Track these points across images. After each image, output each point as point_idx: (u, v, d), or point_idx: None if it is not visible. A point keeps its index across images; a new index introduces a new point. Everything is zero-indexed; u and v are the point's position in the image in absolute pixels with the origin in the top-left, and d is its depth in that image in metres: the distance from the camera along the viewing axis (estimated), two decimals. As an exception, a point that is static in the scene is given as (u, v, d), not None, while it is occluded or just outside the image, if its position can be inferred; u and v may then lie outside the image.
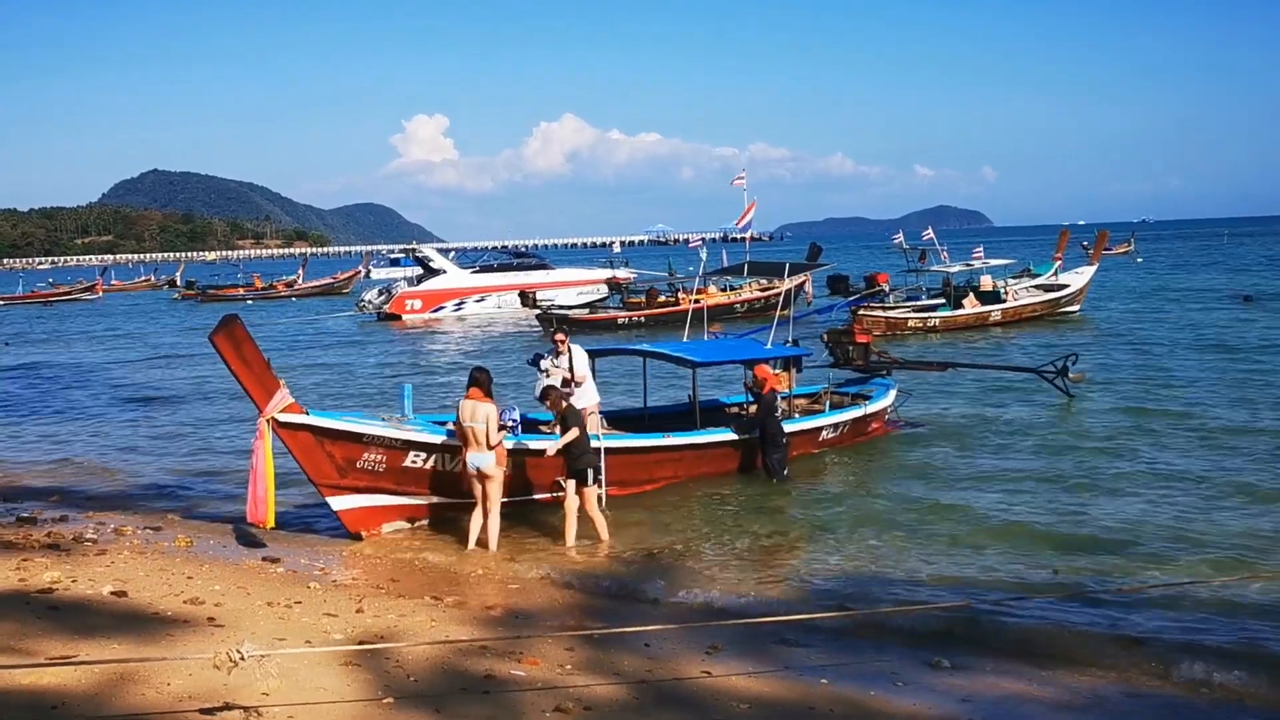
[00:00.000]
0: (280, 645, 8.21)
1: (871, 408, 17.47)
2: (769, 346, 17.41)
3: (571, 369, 14.76)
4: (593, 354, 15.70)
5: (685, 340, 18.58)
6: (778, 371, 17.17)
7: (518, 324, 44.92)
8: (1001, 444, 17.23)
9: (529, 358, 15.77)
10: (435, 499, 13.23)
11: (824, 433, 16.64)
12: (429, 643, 8.72)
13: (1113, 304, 43.17)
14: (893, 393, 18.45)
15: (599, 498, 12.80)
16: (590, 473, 12.49)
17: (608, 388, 19.61)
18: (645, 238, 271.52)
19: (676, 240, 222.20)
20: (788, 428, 15.79)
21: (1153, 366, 25.19)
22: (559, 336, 15.24)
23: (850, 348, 19.85)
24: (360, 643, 8.59)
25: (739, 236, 56.10)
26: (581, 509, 12.53)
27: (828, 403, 17.80)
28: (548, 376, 14.76)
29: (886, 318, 34.61)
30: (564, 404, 12.79)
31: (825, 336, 21.24)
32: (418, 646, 8.63)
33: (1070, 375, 20.48)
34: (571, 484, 12.49)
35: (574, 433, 12.46)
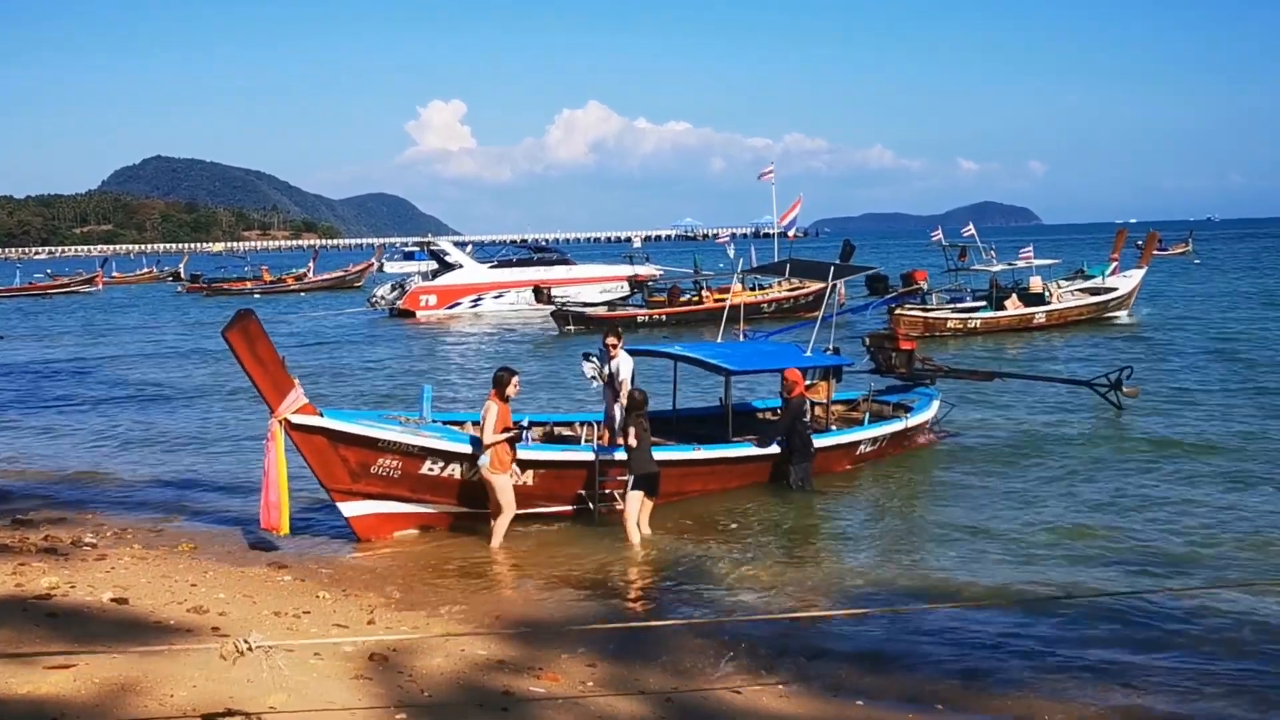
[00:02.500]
0: (288, 656, 8.26)
1: (913, 421, 17.36)
2: (809, 353, 17.33)
3: (614, 375, 14.98)
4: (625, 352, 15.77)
5: (718, 342, 18.51)
6: (815, 381, 17.09)
7: (529, 321, 45.08)
8: (1046, 457, 17.12)
9: (586, 365, 15.85)
10: (451, 508, 13.30)
11: (862, 446, 16.55)
12: (444, 654, 8.78)
13: (1163, 309, 42.69)
14: (936, 403, 18.32)
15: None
16: (633, 479, 12.74)
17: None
18: (672, 232, 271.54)
19: (705, 235, 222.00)
20: (825, 441, 15.72)
21: (1204, 379, 24.90)
22: (610, 340, 15.18)
23: (893, 354, 19.62)
24: (371, 655, 8.65)
25: (769, 232, 56.02)
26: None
27: (867, 413, 17.72)
28: (595, 382, 15.14)
29: (925, 318, 34.54)
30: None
31: (867, 341, 21.11)
32: (432, 660, 8.69)
33: (1124, 389, 20.28)
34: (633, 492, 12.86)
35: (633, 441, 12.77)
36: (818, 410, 16.79)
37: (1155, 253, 46.74)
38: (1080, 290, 38.98)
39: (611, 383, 14.99)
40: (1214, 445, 17.60)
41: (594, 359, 15.38)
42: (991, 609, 10.54)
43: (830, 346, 18.32)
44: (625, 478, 13.01)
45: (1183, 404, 21.48)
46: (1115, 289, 38.52)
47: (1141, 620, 10.20)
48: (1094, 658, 9.37)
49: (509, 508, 12.72)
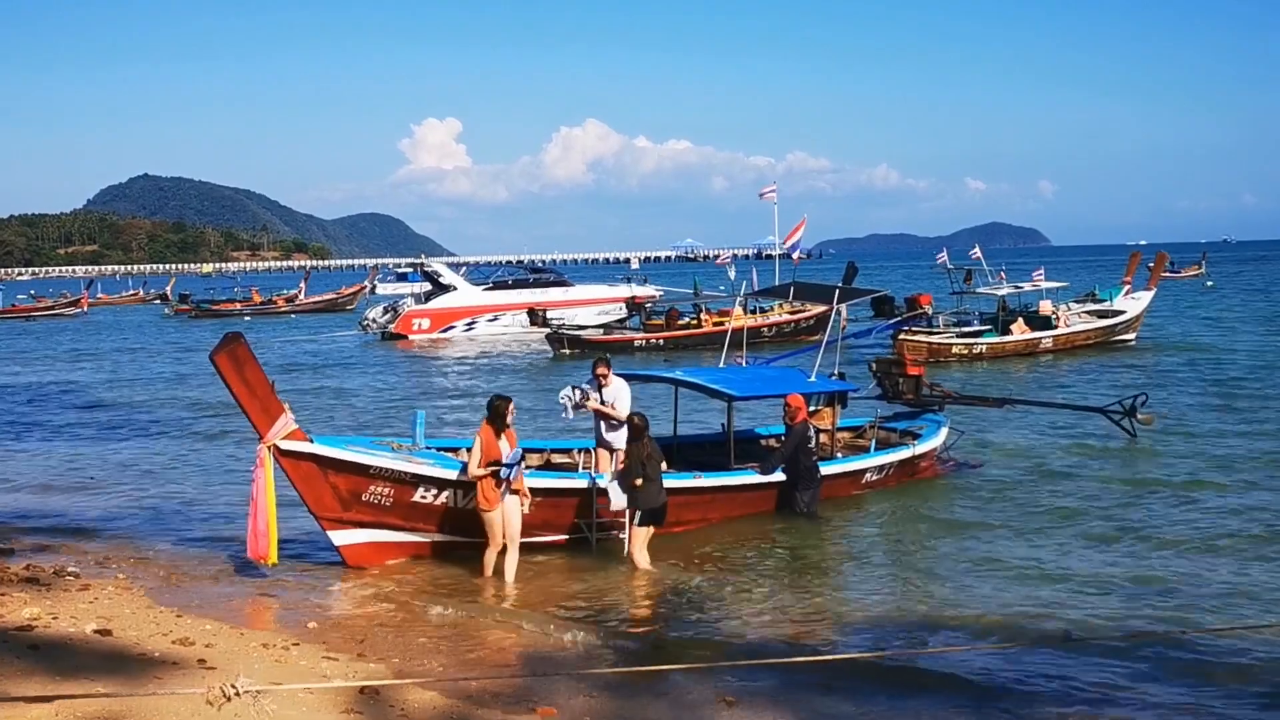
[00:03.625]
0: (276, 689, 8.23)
1: (920, 448, 17.31)
2: (813, 379, 17.32)
3: (603, 404, 14.90)
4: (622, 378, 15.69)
5: (720, 367, 18.47)
6: (820, 407, 17.08)
7: (527, 343, 45.11)
8: (1058, 487, 17.07)
9: (566, 390, 15.70)
10: (444, 537, 13.27)
11: (868, 475, 16.52)
12: (437, 686, 8.75)
13: (1172, 333, 42.69)
14: (944, 430, 18.27)
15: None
16: (640, 515, 12.78)
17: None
18: (672, 253, 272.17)
19: (705, 256, 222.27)
20: (830, 469, 15.71)
21: (1218, 405, 24.91)
22: (601, 370, 15.09)
23: (900, 380, 19.56)
24: (362, 689, 8.62)
25: (771, 253, 56.11)
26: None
27: (873, 440, 17.70)
28: (566, 414, 15.09)
29: (929, 343, 34.57)
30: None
31: (874, 366, 21.06)
32: (424, 694, 8.66)
33: (1139, 416, 20.16)
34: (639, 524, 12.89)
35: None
36: (823, 437, 16.76)
37: (1166, 275, 46.87)
38: (1088, 313, 39.05)
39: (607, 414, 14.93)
40: (1226, 476, 17.56)
41: (581, 388, 15.24)
42: (1003, 647, 10.49)
43: (835, 371, 18.31)
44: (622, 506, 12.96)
45: (1192, 432, 21.44)
46: (1123, 312, 38.61)
47: (1156, 658, 10.16)
48: (1108, 698, 9.33)
49: (514, 539, 12.51)
